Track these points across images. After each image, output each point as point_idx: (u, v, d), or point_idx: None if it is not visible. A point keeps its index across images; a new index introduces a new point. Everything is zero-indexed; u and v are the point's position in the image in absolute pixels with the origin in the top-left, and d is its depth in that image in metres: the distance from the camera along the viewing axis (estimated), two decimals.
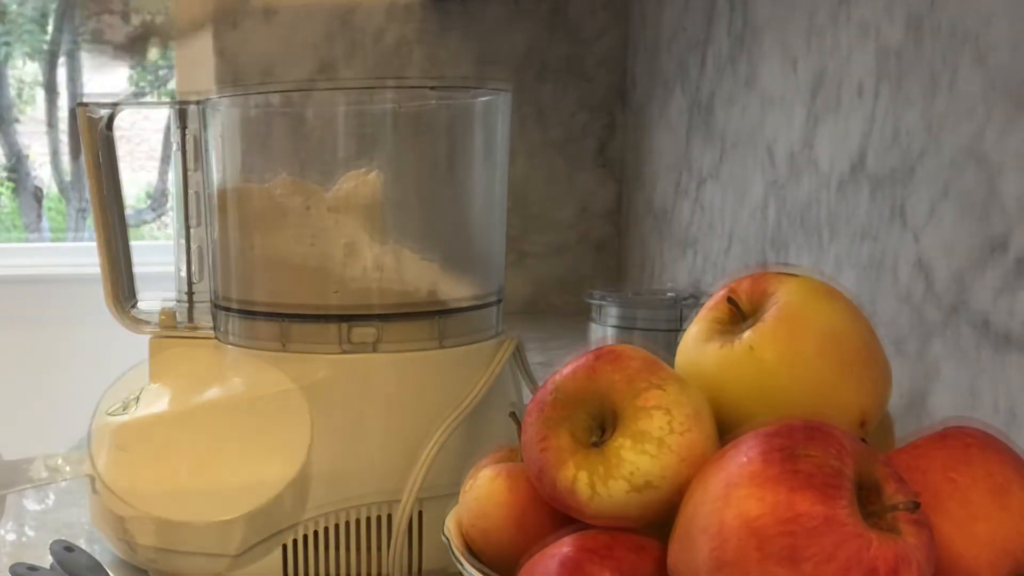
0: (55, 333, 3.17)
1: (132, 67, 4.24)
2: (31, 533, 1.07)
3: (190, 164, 1.00)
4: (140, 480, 0.93)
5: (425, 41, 2.28)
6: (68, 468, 1.05)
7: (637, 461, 0.61)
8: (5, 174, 4.11)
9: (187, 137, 0.99)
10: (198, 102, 0.96)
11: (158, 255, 2.93)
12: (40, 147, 4.13)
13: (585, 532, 0.63)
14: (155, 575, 0.93)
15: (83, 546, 1.01)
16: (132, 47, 4.06)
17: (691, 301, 1.32)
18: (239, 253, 0.95)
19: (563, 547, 0.62)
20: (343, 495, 0.89)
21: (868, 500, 0.54)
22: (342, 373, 0.90)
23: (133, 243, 1.05)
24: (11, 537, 1.06)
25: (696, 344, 0.68)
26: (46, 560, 1.00)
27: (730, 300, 0.68)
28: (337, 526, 0.90)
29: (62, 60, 4.12)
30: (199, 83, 2.17)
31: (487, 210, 0.98)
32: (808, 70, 1.34)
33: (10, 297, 3.20)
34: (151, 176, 4.20)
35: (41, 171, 4.13)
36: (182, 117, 0.99)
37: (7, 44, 4.07)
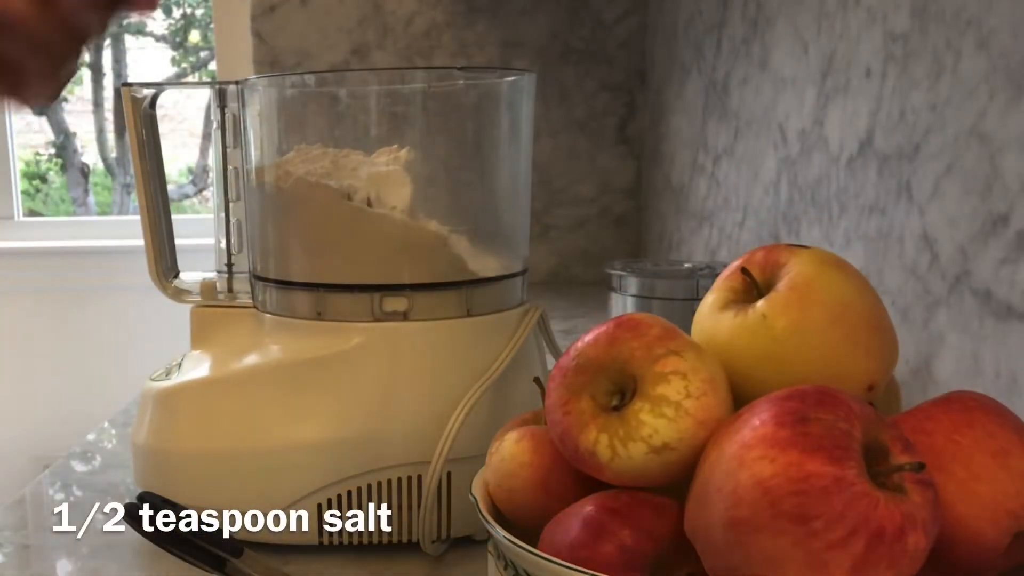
0: (101, 303, 3.19)
1: (174, 49, 4.26)
2: (79, 493, 1.08)
3: (229, 142, 1.00)
4: (182, 442, 0.94)
5: (454, 25, 2.28)
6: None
7: (656, 424, 0.61)
8: (53, 151, 4.12)
9: (226, 116, 1.00)
10: (237, 83, 0.97)
11: (199, 228, 2.95)
12: (87, 126, 4.14)
13: (606, 492, 0.63)
14: (196, 535, 0.94)
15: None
16: (173, 38, 4.08)
17: (707, 272, 1.32)
18: (276, 228, 0.95)
19: (585, 506, 0.62)
20: (375, 458, 0.90)
21: (875, 461, 0.54)
22: (374, 341, 0.90)
23: (175, 217, 1.06)
24: (59, 496, 1.07)
25: (712, 313, 0.68)
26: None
27: (744, 271, 0.68)
28: (369, 487, 0.90)
29: (107, 43, 4.13)
30: (238, 65, 2.18)
31: (513, 185, 0.98)
32: (818, 53, 1.33)
33: (59, 269, 3.21)
34: (192, 153, 4.22)
35: (88, 149, 4.14)
36: (222, 97, 0.99)
37: None
